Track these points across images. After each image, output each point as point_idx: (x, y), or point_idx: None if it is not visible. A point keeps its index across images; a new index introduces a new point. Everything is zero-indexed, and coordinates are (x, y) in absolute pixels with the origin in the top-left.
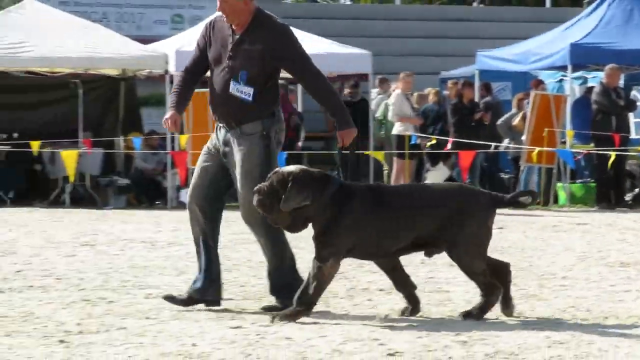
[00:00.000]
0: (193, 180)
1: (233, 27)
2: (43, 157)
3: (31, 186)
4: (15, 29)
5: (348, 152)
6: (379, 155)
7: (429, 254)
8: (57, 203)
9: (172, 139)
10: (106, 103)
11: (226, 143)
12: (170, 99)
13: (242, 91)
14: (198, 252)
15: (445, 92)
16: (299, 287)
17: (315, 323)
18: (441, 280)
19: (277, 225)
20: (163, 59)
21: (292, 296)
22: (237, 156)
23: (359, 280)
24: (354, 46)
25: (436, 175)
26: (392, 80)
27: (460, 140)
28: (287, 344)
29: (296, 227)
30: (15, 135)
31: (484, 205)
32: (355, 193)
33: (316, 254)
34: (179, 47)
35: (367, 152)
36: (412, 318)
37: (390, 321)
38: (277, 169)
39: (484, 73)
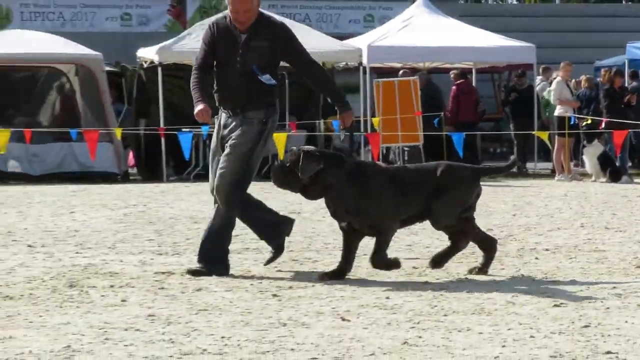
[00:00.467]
0: (211, 175)
1: (238, 27)
2: None
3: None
4: None
5: (349, 132)
6: (544, 135)
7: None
8: (268, 177)
9: (365, 122)
10: (308, 91)
11: (226, 126)
12: (194, 94)
13: (267, 78)
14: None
15: (598, 79)
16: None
17: (491, 280)
18: (598, 241)
19: (303, 194)
20: (357, 53)
21: (213, 262)
22: (234, 133)
23: (527, 242)
24: (521, 40)
25: (592, 151)
26: (554, 69)
27: (612, 120)
28: (467, 297)
29: (315, 195)
30: None
31: (467, 177)
32: (372, 170)
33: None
34: (370, 42)
35: (533, 132)
36: (575, 274)
37: (555, 278)
38: (291, 148)
39: (633, 62)
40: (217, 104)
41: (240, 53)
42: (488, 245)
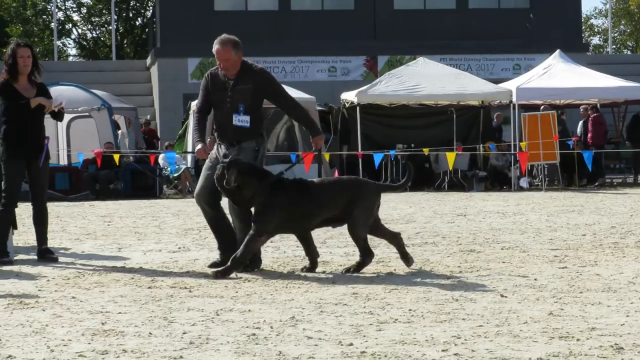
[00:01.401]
0: (199, 184)
1: (227, 75)
2: (430, 158)
3: (422, 178)
4: (412, 76)
5: (319, 152)
6: None
7: (334, 226)
8: (440, 188)
9: (515, 145)
10: (470, 123)
11: (226, 156)
12: (194, 136)
13: (242, 120)
14: (215, 233)
15: None
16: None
17: (615, 265)
18: None
19: (229, 198)
20: (508, 93)
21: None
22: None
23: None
24: (635, 81)
25: None
26: None
27: None
28: (597, 278)
29: (241, 204)
30: (413, 145)
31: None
32: (287, 185)
33: (254, 227)
34: (518, 85)
35: None
36: None
37: None
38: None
39: None
40: (217, 139)
41: (230, 95)
42: (395, 240)
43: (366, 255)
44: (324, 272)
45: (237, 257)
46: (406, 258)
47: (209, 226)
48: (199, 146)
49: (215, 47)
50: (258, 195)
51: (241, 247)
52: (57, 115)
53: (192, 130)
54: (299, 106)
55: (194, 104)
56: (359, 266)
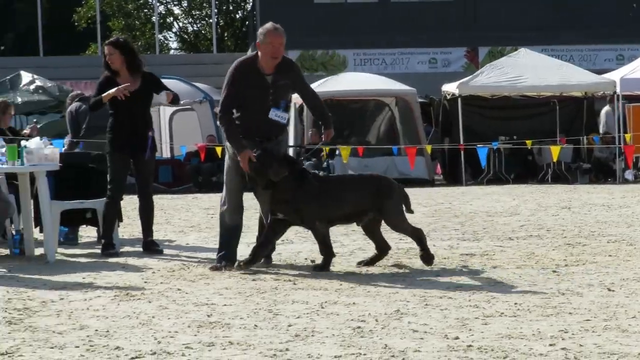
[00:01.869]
0: (234, 195)
1: (264, 68)
2: (533, 150)
3: (525, 170)
4: (513, 68)
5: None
6: None
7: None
8: (543, 181)
9: (619, 137)
10: (574, 114)
11: (266, 149)
12: (236, 144)
13: (281, 116)
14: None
15: None
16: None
17: None
18: None
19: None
20: (612, 84)
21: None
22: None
23: None
24: None
25: None
26: None
27: None
28: None
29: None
30: (515, 137)
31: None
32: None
33: (309, 221)
34: (622, 75)
35: None
36: None
37: None
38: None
39: None
40: (249, 134)
41: (272, 92)
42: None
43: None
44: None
45: (326, 252)
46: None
47: (232, 236)
48: (246, 154)
49: (273, 34)
50: (291, 187)
51: (319, 244)
52: (174, 101)
53: (230, 136)
54: (318, 96)
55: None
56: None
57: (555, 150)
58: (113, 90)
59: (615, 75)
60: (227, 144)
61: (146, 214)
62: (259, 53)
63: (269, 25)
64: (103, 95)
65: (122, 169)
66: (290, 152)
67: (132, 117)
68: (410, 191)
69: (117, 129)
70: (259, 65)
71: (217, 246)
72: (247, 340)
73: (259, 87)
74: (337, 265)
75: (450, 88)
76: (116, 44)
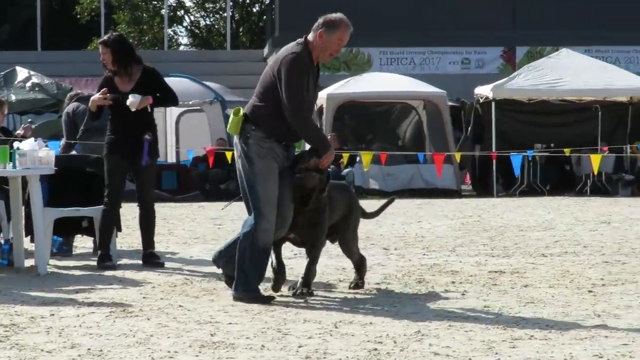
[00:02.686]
0: (273, 192)
1: (314, 61)
2: (571, 160)
3: (563, 181)
4: (553, 69)
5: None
6: None
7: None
8: (581, 193)
9: None
10: (617, 121)
11: (288, 158)
12: (324, 141)
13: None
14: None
15: None
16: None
17: None
18: None
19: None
20: None
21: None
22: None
23: None
24: None
25: None
26: None
27: None
28: None
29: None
30: (552, 145)
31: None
32: None
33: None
34: None
35: None
36: None
37: None
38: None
39: None
40: (280, 136)
41: (314, 88)
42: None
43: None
44: (453, 282)
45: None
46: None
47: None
48: (333, 151)
49: (346, 30)
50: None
51: (313, 265)
52: (163, 103)
53: (314, 130)
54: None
55: None
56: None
57: (595, 160)
58: (93, 97)
59: None
60: (251, 142)
61: (146, 224)
62: (314, 44)
63: (342, 17)
64: (90, 104)
65: (117, 173)
66: None
67: (127, 119)
68: (436, 202)
69: (112, 131)
70: (312, 58)
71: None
72: None
73: (312, 81)
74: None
75: (484, 91)
76: (106, 42)
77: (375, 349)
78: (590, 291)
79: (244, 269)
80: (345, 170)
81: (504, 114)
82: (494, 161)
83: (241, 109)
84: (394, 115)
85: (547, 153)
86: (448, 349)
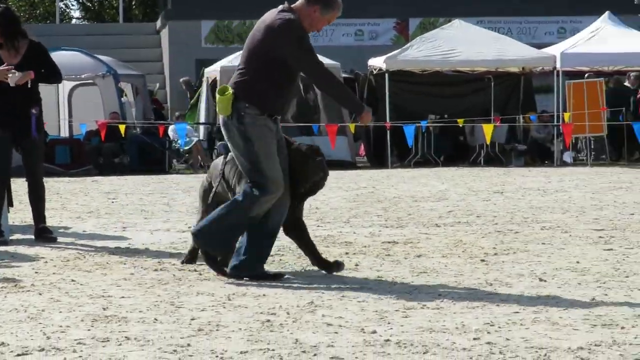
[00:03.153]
0: (278, 171)
1: None
2: (465, 130)
3: (456, 151)
4: (446, 40)
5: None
6: None
7: None
8: (475, 163)
9: (558, 116)
10: (510, 92)
11: (277, 131)
12: (353, 98)
13: None
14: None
15: None
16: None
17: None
18: None
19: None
20: (552, 59)
21: None
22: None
23: None
24: None
25: None
26: None
27: None
28: None
29: None
30: (446, 115)
31: None
32: None
33: None
34: (563, 50)
35: None
36: None
37: None
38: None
39: None
40: (274, 109)
41: None
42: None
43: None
44: (346, 253)
45: None
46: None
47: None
48: (369, 111)
49: (338, 10)
50: None
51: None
52: (46, 79)
53: (344, 91)
54: None
55: (207, 71)
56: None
57: (488, 130)
58: None
59: (556, 50)
60: (247, 121)
61: (35, 198)
62: (303, 15)
63: None
64: None
65: (3, 148)
66: (202, 130)
67: (11, 93)
68: (331, 174)
69: None
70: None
71: (118, 233)
72: (145, 335)
73: None
74: None
75: (377, 62)
76: None
77: (268, 321)
78: (482, 260)
79: (247, 250)
80: None
81: (397, 86)
82: (388, 132)
83: (228, 87)
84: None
85: (440, 124)
86: (341, 320)
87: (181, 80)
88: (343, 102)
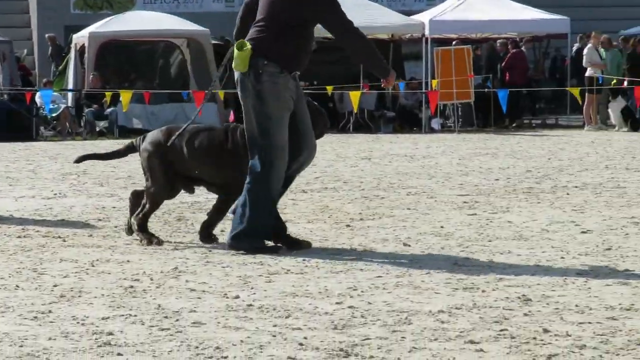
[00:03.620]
0: (285, 140)
1: None
2: (334, 97)
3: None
4: None
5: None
6: (575, 91)
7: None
8: (344, 130)
9: (426, 83)
10: None
11: (297, 87)
12: (383, 63)
13: None
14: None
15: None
16: None
17: (529, 212)
18: (620, 179)
19: None
20: (420, 26)
21: None
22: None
23: (559, 180)
24: (557, 13)
25: (616, 105)
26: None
27: (634, 79)
28: (508, 225)
29: None
30: (315, 82)
31: None
32: None
33: None
34: (431, 17)
35: (567, 89)
36: (600, 207)
37: (583, 210)
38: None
39: None
40: (293, 65)
41: None
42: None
43: None
44: None
45: None
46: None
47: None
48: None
49: None
50: None
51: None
52: None
53: (374, 52)
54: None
55: (76, 37)
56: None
57: (355, 97)
58: None
59: (424, 17)
60: (265, 79)
61: None
62: None
63: None
64: None
65: None
66: (70, 97)
67: None
68: None
69: None
70: None
71: None
72: (6, 302)
73: None
74: (118, 220)
75: None
76: None
77: (132, 287)
78: (348, 226)
79: (249, 220)
80: (109, 110)
81: None
82: None
83: (246, 42)
84: (158, 54)
85: (309, 90)
86: (204, 285)
87: (47, 36)
88: (371, 64)
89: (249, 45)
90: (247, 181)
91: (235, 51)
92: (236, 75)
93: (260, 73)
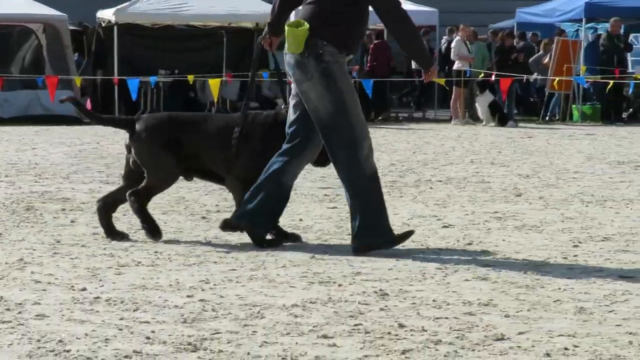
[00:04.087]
0: (362, 117)
1: None
2: (196, 86)
3: (187, 108)
4: None
5: None
6: (441, 81)
7: None
8: None
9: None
10: (243, 48)
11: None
12: (426, 53)
13: None
14: None
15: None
16: None
17: (390, 206)
18: (484, 174)
19: None
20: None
21: None
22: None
23: (423, 174)
24: (426, 5)
25: (483, 99)
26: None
27: (500, 73)
28: None
29: None
30: (177, 71)
31: None
32: None
33: None
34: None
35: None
36: (463, 201)
37: (445, 204)
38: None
39: (521, 25)
40: (352, 48)
41: None
42: None
43: None
44: (63, 210)
45: None
46: None
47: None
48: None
49: None
50: None
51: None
52: None
53: (420, 43)
54: None
55: None
56: None
57: (215, 86)
58: None
59: None
60: (327, 59)
61: None
62: None
63: None
64: None
65: None
66: None
67: None
68: (55, 129)
69: None
70: None
71: None
72: None
73: None
74: None
75: (106, 15)
76: None
77: None
78: (204, 217)
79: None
80: None
81: (127, 39)
82: (116, 87)
83: (302, 21)
84: (13, 39)
85: (170, 79)
86: (51, 277)
87: None
88: (414, 53)
89: (305, 25)
90: (342, 176)
91: (288, 29)
92: (288, 57)
93: (320, 53)
